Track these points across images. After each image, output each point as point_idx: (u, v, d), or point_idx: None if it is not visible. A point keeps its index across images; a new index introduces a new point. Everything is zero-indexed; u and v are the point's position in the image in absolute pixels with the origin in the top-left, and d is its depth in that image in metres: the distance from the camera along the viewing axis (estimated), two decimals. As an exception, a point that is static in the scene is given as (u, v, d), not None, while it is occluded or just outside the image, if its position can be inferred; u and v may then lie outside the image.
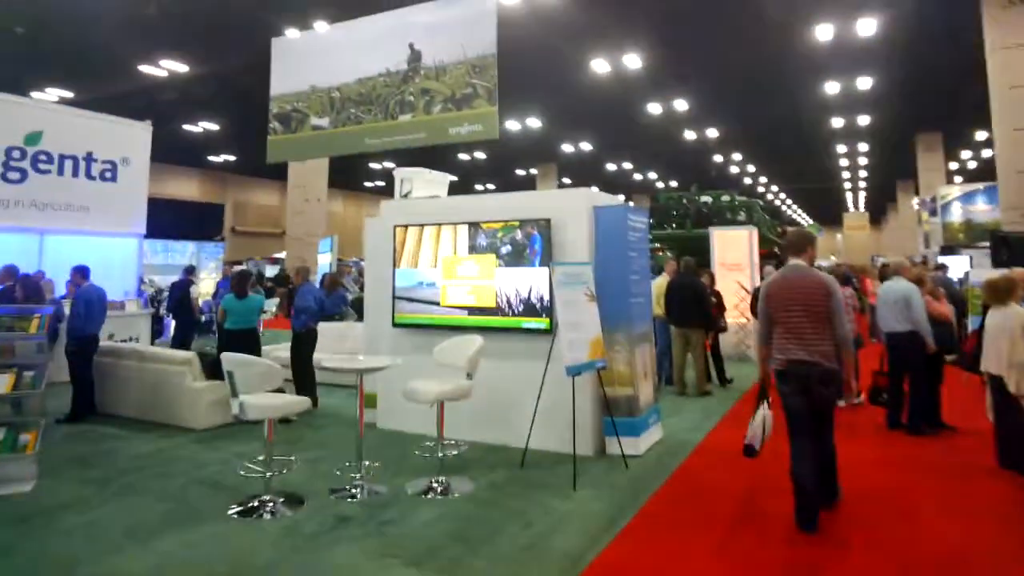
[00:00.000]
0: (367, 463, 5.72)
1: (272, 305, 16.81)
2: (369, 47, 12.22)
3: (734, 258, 11.70)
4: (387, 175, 30.35)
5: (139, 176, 12.44)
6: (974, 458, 6.20)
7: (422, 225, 7.21)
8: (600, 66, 17.79)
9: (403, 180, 8.00)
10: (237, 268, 14.17)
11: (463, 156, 30.47)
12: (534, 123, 24.76)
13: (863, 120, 23.82)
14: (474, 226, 6.93)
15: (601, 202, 6.82)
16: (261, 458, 5.37)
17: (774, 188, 40.99)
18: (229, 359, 5.04)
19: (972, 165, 30.93)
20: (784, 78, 19.20)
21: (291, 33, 13.43)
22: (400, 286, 7.26)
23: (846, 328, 4.65)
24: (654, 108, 22.21)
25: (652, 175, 36.82)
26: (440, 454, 5.69)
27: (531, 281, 6.57)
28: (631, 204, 6.98)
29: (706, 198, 17.71)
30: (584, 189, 6.82)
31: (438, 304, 7.05)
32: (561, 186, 36.47)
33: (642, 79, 18.94)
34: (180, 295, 12.34)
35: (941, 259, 14.67)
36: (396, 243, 7.31)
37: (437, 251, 7.11)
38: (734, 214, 16.79)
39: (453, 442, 6.33)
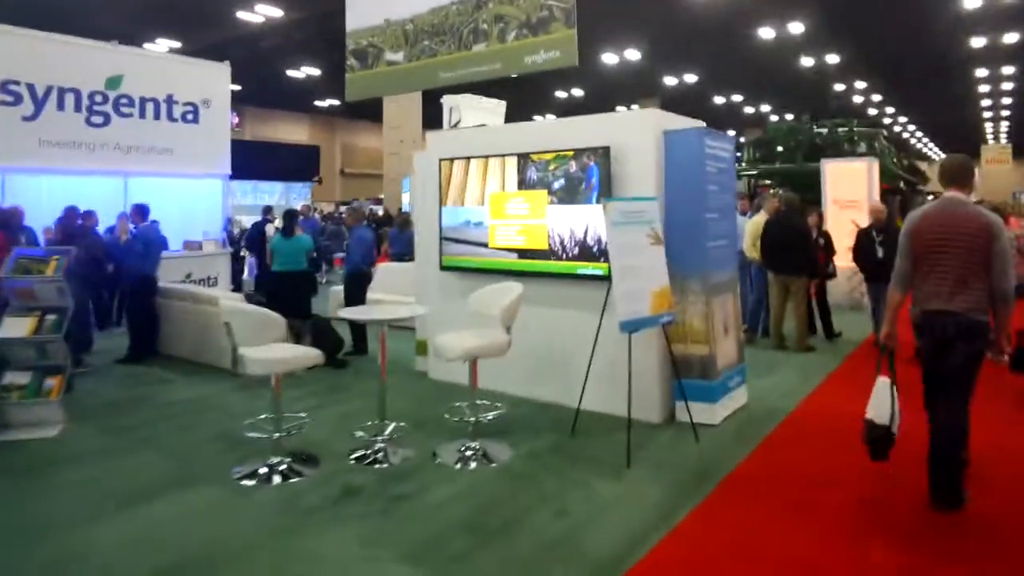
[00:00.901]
0: (393, 424, 4.95)
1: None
2: (441, -27, 11.20)
3: (850, 194, 10.00)
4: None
5: (221, 117, 12.07)
6: None
7: (468, 158, 6.23)
8: None
9: (452, 108, 6.99)
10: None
11: (560, 93, 28.90)
12: (633, 54, 22.86)
13: (1009, 38, 20.47)
14: (523, 158, 5.90)
15: (673, 126, 5.58)
16: (270, 415, 4.70)
17: (902, 119, 36.74)
18: (226, 308, 4.33)
19: None
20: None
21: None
22: (447, 225, 6.37)
23: (1011, 279, 3.72)
24: (766, 32, 19.86)
25: (765, 107, 33.77)
26: (472, 418, 4.82)
27: (587, 220, 5.50)
28: (710, 129, 5.52)
29: (821, 129, 15.62)
30: (651, 110, 5.60)
31: (486, 246, 6.10)
32: (665, 123, 34.37)
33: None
34: (256, 235, 12.02)
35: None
36: (442, 178, 6.39)
37: (484, 187, 6.14)
38: (852, 146, 14.66)
39: (493, 404, 5.43)
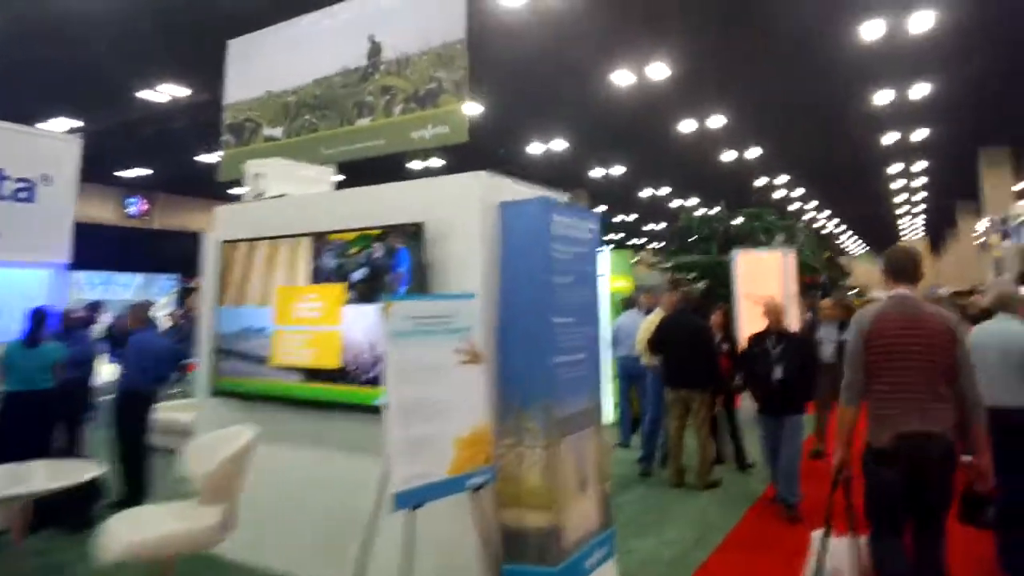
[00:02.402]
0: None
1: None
2: (327, 43, 9.91)
3: (764, 288, 8.56)
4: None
5: (64, 196, 10.16)
6: None
7: (252, 240, 4.49)
8: (624, 78, 14.99)
9: (256, 176, 5.27)
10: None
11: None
12: (559, 145, 21.99)
13: (919, 134, 20.34)
14: (319, 239, 4.19)
15: (513, 195, 3.94)
16: None
17: (825, 213, 36.88)
18: None
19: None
20: (830, 87, 16.15)
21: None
22: (225, 332, 4.54)
23: (978, 387, 3.26)
24: (688, 125, 19.24)
25: (692, 201, 33.40)
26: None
27: (389, 327, 3.74)
28: (565, 201, 3.83)
29: (737, 220, 14.50)
30: (481, 173, 3.96)
31: (266, 362, 4.28)
32: (596, 213, 33.58)
33: (672, 93, 16.07)
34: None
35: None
36: (223, 266, 4.61)
37: (270, 279, 4.37)
38: (770, 237, 13.47)
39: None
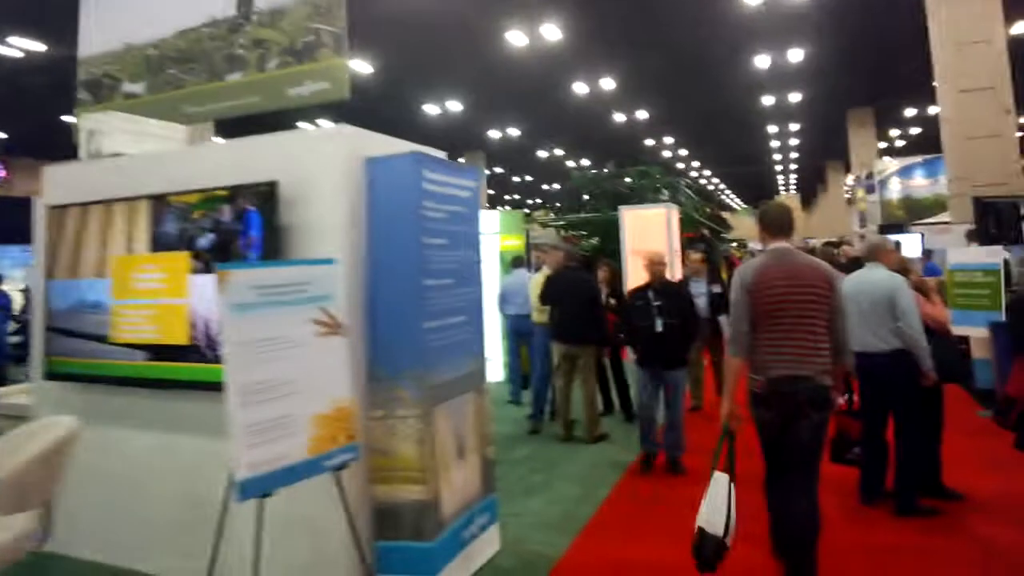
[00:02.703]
0: None
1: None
2: (193, -10, 8.93)
3: (649, 243, 8.57)
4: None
5: None
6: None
7: (84, 205, 3.93)
8: (518, 39, 14.62)
9: (91, 133, 4.63)
10: None
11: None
12: (454, 106, 21.44)
13: (794, 97, 21.25)
14: (159, 202, 3.70)
15: (380, 150, 3.59)
16: None
17: (707, 172, 38.15)
18: None
19: (900, 144, 28.43)
20: (712, 52, 16.50)
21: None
22: (57, 308, 3.98)
23: (846, 333, 3.40)
24: (580, 88, 19.18)
25: (586, 161, 33.69)
26: None
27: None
28: (437, 156, 3.50)
29: (626, 178, 14.58)
30: (343, 126, 3.58)
31: (105, 340, 3.78)
32: (492, 177, 33.18)
33: (564, 55, 15.90)
34: None
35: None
36: (52, 235, 4.03)
37: (106, 248, 3.85)
38: (656, 194, 13.61)
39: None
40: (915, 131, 25.86)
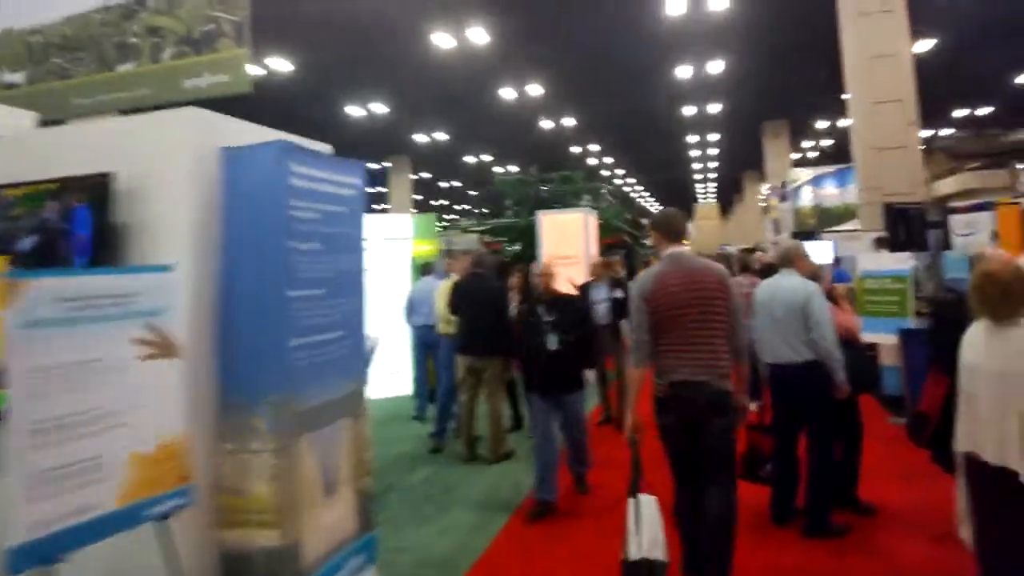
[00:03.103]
0: None
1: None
2: (82, -27, 8.28)
3: (567, 248, 8.25)
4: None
5: None
6: None
7: None
8: (444, 41, 14.13)
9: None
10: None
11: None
12: (379, 109, 20.72)
13: (714, 108, 21.63)
14: (-31, 196, 3.04)
15: (239, 139, 3.03)
16: None
17: (631, 180, 38.56)
18: None
19: (812, 155, 29.38)
20: (637, 61, 16.55)
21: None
22: None
23: (743, 333, 3.33)
24: (508, 93, 18.84)
25: (514, 167, 33.43)
26: None
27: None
28: (310, 148, 2.94)
29: (547, 183, 14.29)
30: (194, 109, 3.02)
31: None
32: (419, 184, 32.48)
33: (492, 59, 15.57)
34: None
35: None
36: None
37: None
38: (578, 199, 13.37)
39: None
40: (826, 143, 26.73)
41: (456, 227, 17.09)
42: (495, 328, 5.43)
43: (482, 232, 14.13)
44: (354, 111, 20.76)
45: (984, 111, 22.62)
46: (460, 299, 5.52)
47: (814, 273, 4.18)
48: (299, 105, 19.08)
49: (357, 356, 3.44)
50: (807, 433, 4.02)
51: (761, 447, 4.15)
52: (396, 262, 7.63)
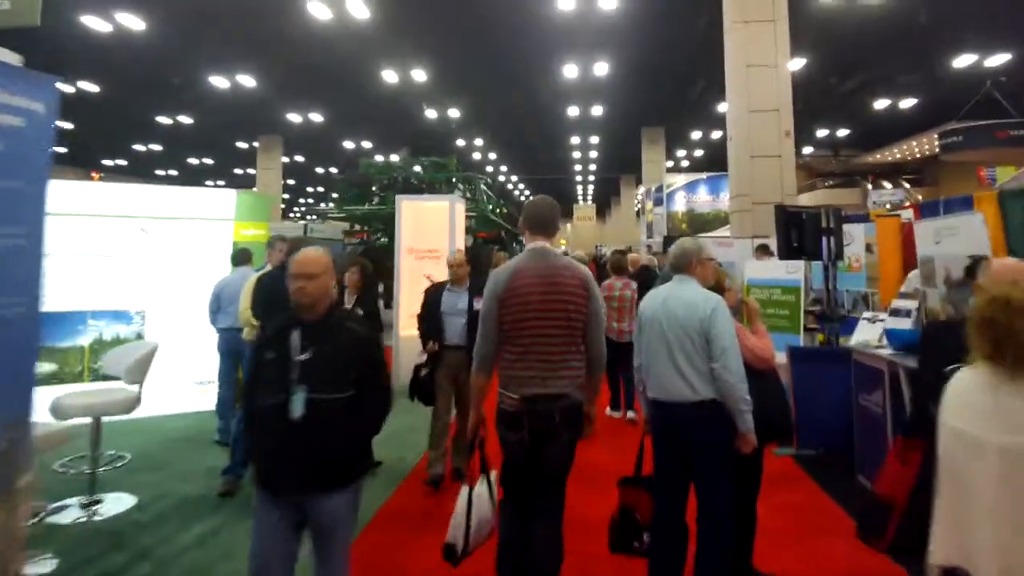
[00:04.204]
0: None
1: None
2: None
3: (429, 241, 6.89)
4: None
5: None
6: None
7: None
8: (320, 11, 12.33)
9: None
10: None
11: (162, 119, 22.82)
12: (247, 81, 18.38)
13: (596, 110, 21.09)
14: None
15: None
16: None
17: (514, 178, 37.71)
18: None
19: (684, 164, 29.76)
20: (524, 56, 15.60)
21: None
22: None
23: (603, 339, 2.86)
24: (390, 76, 17.18)
25: (396, 158, 31.53)
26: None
27: None
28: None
29: (417, 167, 12.84)
30: None
31: None
32: (292, 166, 29.93)
33: (373, 37, 13.95)
34: None
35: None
36: None
37: None
38: (450, 188, 12.02)
39: None
40: (699, 153, 27.08)
41: (316, 212, 15.21)
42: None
43: (344, 220, 12.46)
44: (219, 82, 18.33)
45: (843, 132, 23.53)
46: (264, 298, 4.03)
47: (718, 282, 3.13)
48: (157, 69, 16.61)
49: (25, 383, 1.96)
50: (698, 492, 2.97)
51: (637, 509, 3.06)
52: (213, 249, 6.00)
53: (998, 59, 15.48)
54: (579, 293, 2.77)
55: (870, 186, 25.62)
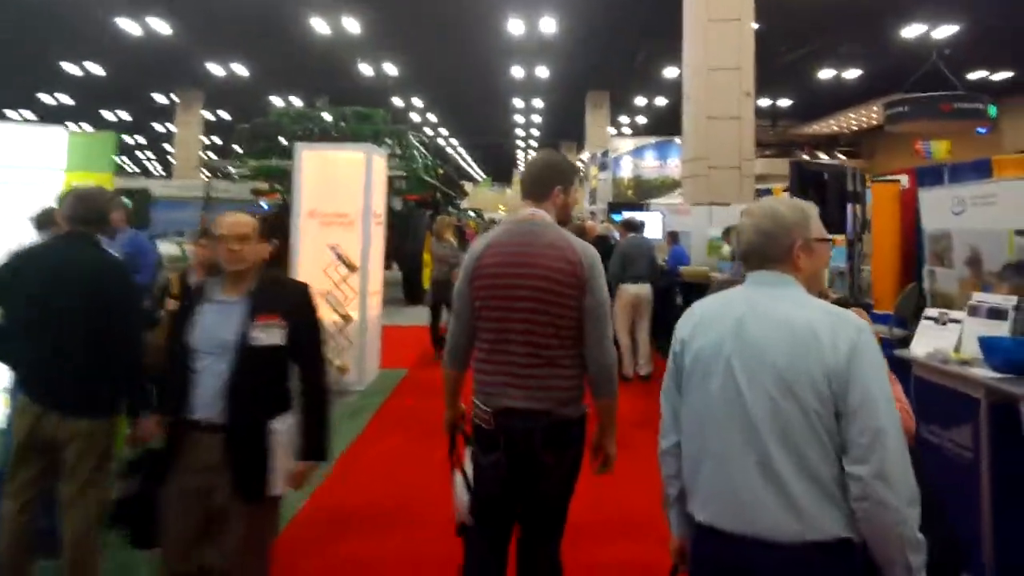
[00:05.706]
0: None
1: None
2: None
3: (339, 204, 5.09)
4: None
5: None
6: None
7: None
8: None
9: None
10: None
11: (71, 68, 19.87)
12: (160, 26, 15.83)
13: (541, 72, 19.47)
14: None
15: None
16: None
17: (454, 142, 35.65)
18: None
19: (627, 132, 28.55)
20: (465, 7, 13.69)
21: None
22: None
23: (610, 345, 2.06)
24: (320, 25, 15.05)
25: (329, 117, 29.08)
26: None
27: None
28: None
29: (330, 117, 10.85)
30: None
31: None
32: (217, 123, 26.95)
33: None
34: None
35: (631, 216, 9.04)
36: None
37: None
38: (377, 142, 10.12)
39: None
40: (642, 120, 25.94)
41: (211, 167, 12.90)
42: (96, 352, 2.30)
43: (246, 176, 10.50)
44: (128, 25, 15.73)
45: (785, 103, 22.75)
46: (10, 282, 2.30)
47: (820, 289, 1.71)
48: (58, 8, 14.04)
49: None
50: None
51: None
52: (34, 209, 4.11)
53: (945, 31, 14.74)
54: (564, 280, 2.01)
55: (805, 157, 25.16)
